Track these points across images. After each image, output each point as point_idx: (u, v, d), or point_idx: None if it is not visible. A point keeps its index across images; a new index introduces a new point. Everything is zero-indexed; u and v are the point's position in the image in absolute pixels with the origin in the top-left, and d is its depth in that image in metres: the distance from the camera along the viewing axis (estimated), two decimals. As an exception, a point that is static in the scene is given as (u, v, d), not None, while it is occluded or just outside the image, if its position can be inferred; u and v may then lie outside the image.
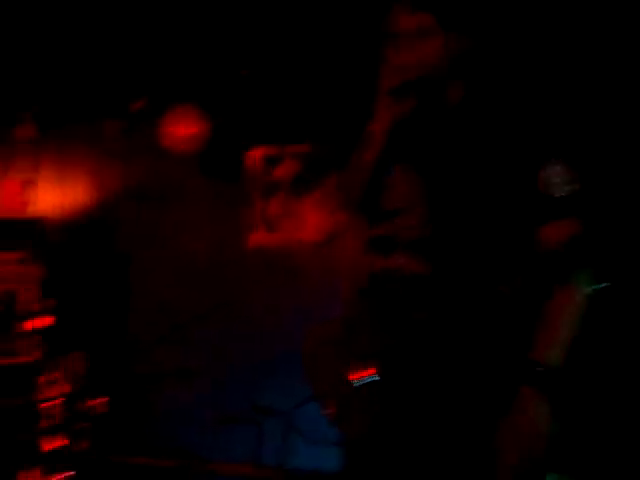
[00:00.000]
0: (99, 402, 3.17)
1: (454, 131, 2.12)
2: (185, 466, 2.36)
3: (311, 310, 3.25)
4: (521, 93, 2.11)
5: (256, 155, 3.36)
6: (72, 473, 2.85)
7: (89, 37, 4.11)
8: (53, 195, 4.64)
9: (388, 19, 2.24)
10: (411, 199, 2.15)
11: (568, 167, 2.02)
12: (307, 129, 3.14)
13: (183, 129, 3.50)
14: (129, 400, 3.57)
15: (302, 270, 3.36)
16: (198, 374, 3.58)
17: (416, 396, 2.05)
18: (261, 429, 3.76)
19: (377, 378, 2.05)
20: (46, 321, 3.80)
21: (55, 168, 4.64)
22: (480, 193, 2.11)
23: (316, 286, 3.27)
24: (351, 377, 2.08)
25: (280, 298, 3.49)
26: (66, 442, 2.92)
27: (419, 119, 2.16)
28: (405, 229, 2.13)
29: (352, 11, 2.40)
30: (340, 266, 2.70)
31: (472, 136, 2.11)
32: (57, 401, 3.00)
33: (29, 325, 3.79)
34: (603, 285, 2.01)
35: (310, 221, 2.61)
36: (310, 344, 2.32)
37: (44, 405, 2.99)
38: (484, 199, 2.11)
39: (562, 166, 2.02)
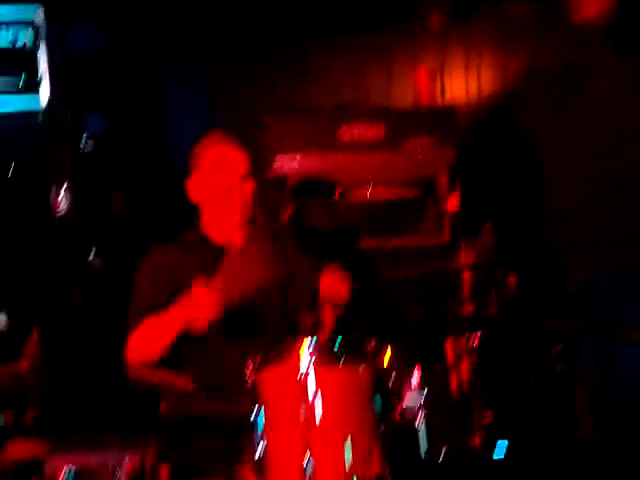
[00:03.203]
0: (511, 277, 3.28)
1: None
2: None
3: None
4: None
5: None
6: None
7: None
8: (459, 82, 4.82)
9: None
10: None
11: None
12: None
13: (592, 4, 3.43)
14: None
15: None
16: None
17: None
18: None
19: None
20: (455, 202, 4.02)
21: (461, 55, 4.79)
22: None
23: None
24: None
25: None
26: (478, 308, 3.10)
27: None
28: None
29: None
30: None
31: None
32: (471, 270, 3.17)
33: (443, 206, 4.03)
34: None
35: None
36: None
37: (465, 274, 3.19)
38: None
39: None
